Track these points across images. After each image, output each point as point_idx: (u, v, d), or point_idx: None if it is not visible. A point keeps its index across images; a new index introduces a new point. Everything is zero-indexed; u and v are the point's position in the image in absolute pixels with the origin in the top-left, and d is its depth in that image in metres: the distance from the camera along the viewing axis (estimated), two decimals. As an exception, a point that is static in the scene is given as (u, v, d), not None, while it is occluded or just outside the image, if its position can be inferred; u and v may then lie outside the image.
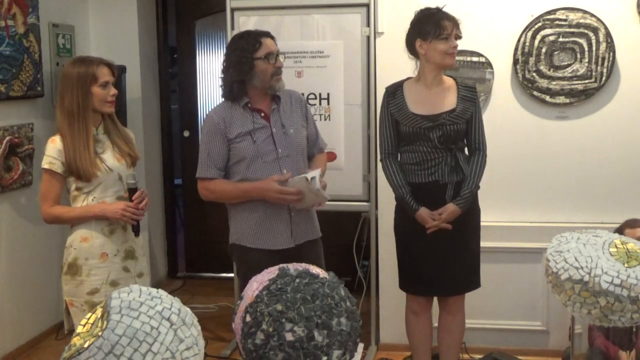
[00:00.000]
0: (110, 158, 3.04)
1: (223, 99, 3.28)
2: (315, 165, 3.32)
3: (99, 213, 2.96)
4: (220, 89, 3.26)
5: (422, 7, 3.39)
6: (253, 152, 3.17)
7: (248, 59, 3.13)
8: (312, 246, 3.34)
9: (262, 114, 3.23)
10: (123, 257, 3.06)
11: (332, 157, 4.23)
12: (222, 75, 3.24)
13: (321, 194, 3.12)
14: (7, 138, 4.12)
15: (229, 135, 3.17)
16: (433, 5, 3.37)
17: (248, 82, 3.17)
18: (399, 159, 3.40)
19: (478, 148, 3.37)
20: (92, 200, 2.99)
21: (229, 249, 3.37)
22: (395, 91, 3.37)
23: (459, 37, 3.31)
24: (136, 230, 3.05)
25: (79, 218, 2.99)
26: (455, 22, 3.28)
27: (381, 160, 3.44)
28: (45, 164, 2.97)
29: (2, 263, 4.20)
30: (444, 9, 3.32)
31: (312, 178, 3.07)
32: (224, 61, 3.24)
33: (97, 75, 2.96)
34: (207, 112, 3.34)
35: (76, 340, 1.33)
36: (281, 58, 3.23)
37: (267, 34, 3.23)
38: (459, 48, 3.96)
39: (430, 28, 3.24)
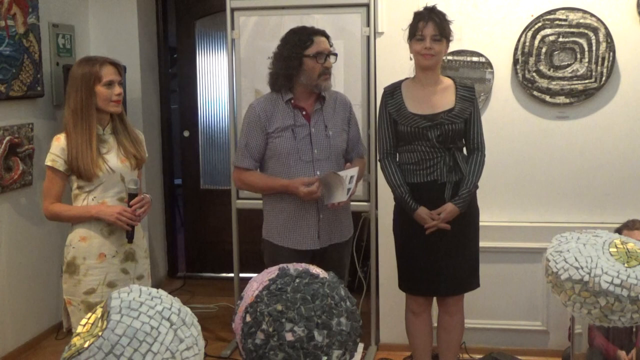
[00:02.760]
0: (113, 158, 3.03)
1: (270, 91, 3.30)
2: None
3: (95, 214, 2.96)
4: (267, 77, 3.30)
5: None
6: (290, 148, 3.19)
7: (298, 55, 3.16)
8: (338, 249, 3.35)
9: (304, 112, 3.25)
10: (122, 258, 3.05)
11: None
12: (271, 66, 3.28)
13: (345, 194, 3.13)
14: (7, 138, 4.11)
15: (268, 129, 3.20)
16: (430, 5, 3.38)
17: (295, 78, 3.19)
18: (397, 159, 3.40)
19: (476, 147, 3.37)
20: (93, 199, 2.99)
21: (261, 244, 3.40)
22: (393, 91, 3.37)
23: (437, 38, 3.22)
24: (129, 236, 3.01)
25: (77, 217, 3.00)
26: (435, 23, 3.23)
27: (380, 161, 3.45)
28: (48, 162, 2.98)
29: (2, 263, 4.20)
30: (437, 9, 3.30)
31: (352, 177, 3.13)
32: (276, 52, 3.26)
33: (101, 75, 2.96)
34: (250, 102, 3.37)
35: (76, 340, 1.33)
36: (332, 59, 3.25)
37: (322, 33, 3.25)
38: (459, 48, 4.00)
39: (411, 29, 3.29)
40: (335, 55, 3.28)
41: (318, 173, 3.20)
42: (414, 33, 3.25)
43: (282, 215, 3.26)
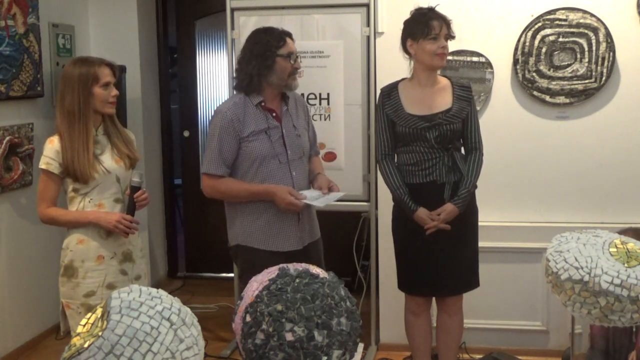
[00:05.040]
0: (108, 160, 3.01)
1: (235, 92, 3.27)
2: (318, 169, 3.40)
3: (94, 220, 2.95)
4: (234, 80, 3.27)
5: (417, 7, 3.39)
6: (267, 151, 3.16)
7: (272, 54, 3.15)
8: (315, 247, 3.38)
9: (274, 114, 3.24)
10: (120, 259, 3.04)
11: (332, 157, 4.23)
12: (239, 66, 3.23)
13: (321, 204, 3.20)
14: (7, 138, 4.11)
15: (242, 134, 3.15)
16: (427, 5, 3.37)
17: (267, 76, 3.17)
18: (395, 160, 3.40)
19: (475, 147, 3.37)
20: (89, 202, 2.98)
21: (231, 250, 3.34)
22: (390, 92, 3.37)
23: (450, 37, 3.29)
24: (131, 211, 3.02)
25: (74, 222, 2.98)
26: (445, 22, 3.26)
27: (378, 162, 3.44)
28: (42, 165, 2.95)
29: (2, 263, 4.21)
30: (437, 9, 3.31)
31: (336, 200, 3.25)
32: (244, 52, 3.23)
33: (99, 76, 2.95)
34: (217, 107, 3.30)
35: (76, 340, 1.33)
36: (299, 59, 3.27)
37: (289, 34, 3.26)
38: (459, 48, 4.00)
39: (419, 28, 3.24)
40: (302, 56, 3.37)
41: (294, 174, 3.22)
42: (427, 32, 3.21)
43: (261, 220, 3.20)
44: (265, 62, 3.15)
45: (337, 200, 3.35)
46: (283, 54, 3.17)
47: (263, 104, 3.21)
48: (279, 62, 3.16)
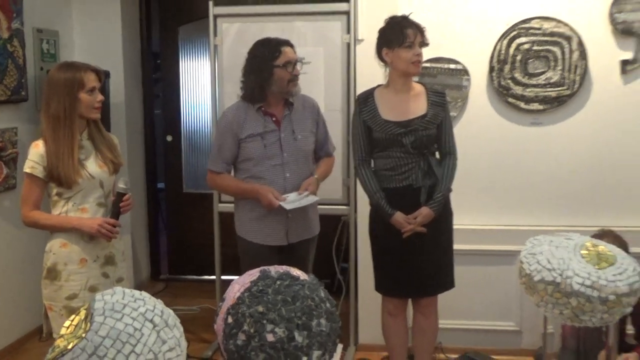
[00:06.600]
0: (92, 165, 2.99)
1: (241, 99, 3.39)
2: (318, 170, 3.48)
3: (77, 226, 2.93)
4: (240, 90, 3.40)
5: (391, 15, 3.40)
6: (260, 153, 3.31)
7: (268, 66, 3.26)
8: (305, 244, 3.49)
9: (274, 119, 3.35)
10: (102, 262, 3.01)
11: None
12: (243, 79, 3.37)
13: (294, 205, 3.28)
14: (-9, 142, 4.08)
15: (240, 135, 3.31)
16: (400, 14, 3.38)
17: (267, 87, 3.28)
18: (372, 165, 3.41)
19: (449, 152, 3.38)
20: (72, 205, 2.95)
21: (236, 237, 3.52)
22: (367, 98, 3.38)
23: (424, 44, 3.30)
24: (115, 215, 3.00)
25: (57, 227, 2.96)
26: (419, 30, 3.27)
27: (355, 167, 3.45)
28: (27, 168, 2.92)
29: (-15, 265, 4.17)
30: (413, 17, 3.32)
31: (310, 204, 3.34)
32: (245, 66, 3.36)
33: (84, 81, 2.91)
34: (224, 110, 3.52)
35: (60, 342, 1.32)
36: (298, 66, 3.33)
37: (287, 43, 3.34)
38: (436, 55, 4.02)
39: (394, 36, 3.25)
40: (301, 61, 3.37)
41: (287, 175, 3.33)
42: (402, 40, 3.23)
43: (254, 214, 3.38)
44: (262, 74, 3.27)
45: (319, 204, 3.46)
46: (279, 64, 3.27)
47: (263, 108, 3.33)
48: (277, 72, 3.27)
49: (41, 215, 2.96)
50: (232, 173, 3.50)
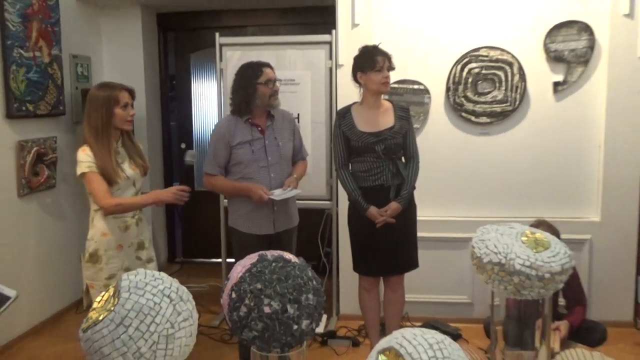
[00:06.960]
0: (128, 168, 2.97)
1: (231, 113, 3.35)
2: (296, 171, 3.44)
3: (156, 199, 2.91)
4: (230, 106, 3.36)
5: (364, 45, 3.39)
6: (249, 157, 3.26)
7: (252, 84, 3.23)
8: (289, 233, 3.44)
9: (259, 128, 3.31)
10: (136, 248, 3.01)
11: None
12: (232, 96, 3.33)
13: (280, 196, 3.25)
14: (35, 148, 4.05)
15: (231, 143, 3.27)
16: (372, 44, 3.36)
17: (252, 102, 3.25)
18: (350, 168, 3.41)
19: (412, 156, 3.39)
20: None
21: (229, 229, 3.45)
22: (345, 113, 3.37)
23: (391, 68, 3.29)
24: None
25: (135, 205, 2.93)
26: (387, 57, 3.26)
27: (336, 170, 3.44)
28: (84, 169, 2.82)
29: (30, 250, 4.13)
30: (380, 46, 3.31)
31: (292, 196, 3.32)
32: (233, 84, 3.33)
33: (119, 98, 2.89)
34: (217, 123, 3.48)
35: (92, 314, 1.31)
36: (277, 84, 3.32)
37: (268, 65, 3.31)
38: (403, 77, 4.03)
39: (366, 62, 3.25)
40: (280, 80, 3.37)
41: (272, 175, 3.29)
42: (372, 66, 3.22)
43: (245, 208, 3.32)
44: (247, 90, 3.23)
45: (304, 199, 3.44)
46: (262, 82, 3.24)
47: (250, 120, 3.29)
48: (260, 89, 3.23)
49: (119, 198, 2.88)
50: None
